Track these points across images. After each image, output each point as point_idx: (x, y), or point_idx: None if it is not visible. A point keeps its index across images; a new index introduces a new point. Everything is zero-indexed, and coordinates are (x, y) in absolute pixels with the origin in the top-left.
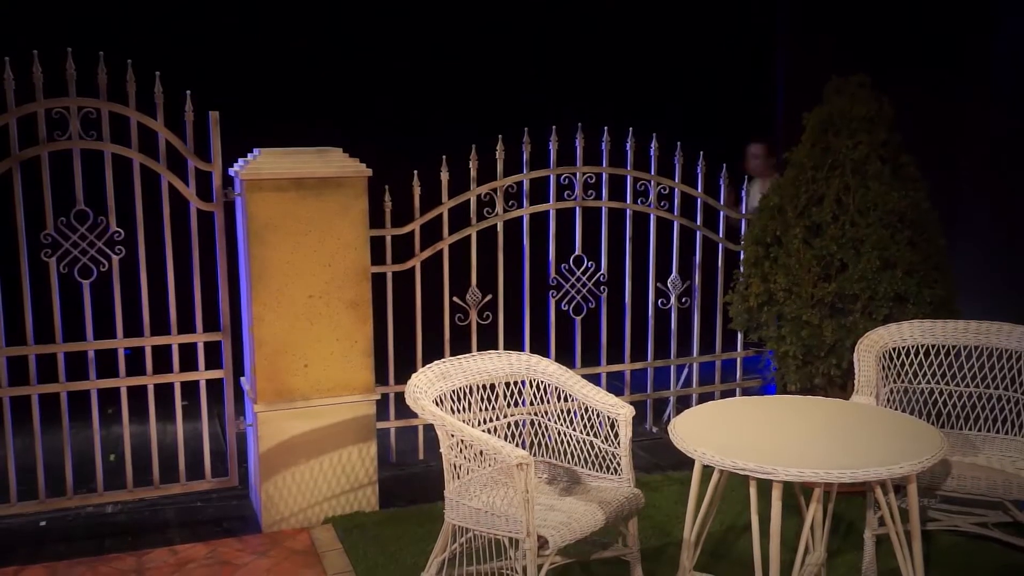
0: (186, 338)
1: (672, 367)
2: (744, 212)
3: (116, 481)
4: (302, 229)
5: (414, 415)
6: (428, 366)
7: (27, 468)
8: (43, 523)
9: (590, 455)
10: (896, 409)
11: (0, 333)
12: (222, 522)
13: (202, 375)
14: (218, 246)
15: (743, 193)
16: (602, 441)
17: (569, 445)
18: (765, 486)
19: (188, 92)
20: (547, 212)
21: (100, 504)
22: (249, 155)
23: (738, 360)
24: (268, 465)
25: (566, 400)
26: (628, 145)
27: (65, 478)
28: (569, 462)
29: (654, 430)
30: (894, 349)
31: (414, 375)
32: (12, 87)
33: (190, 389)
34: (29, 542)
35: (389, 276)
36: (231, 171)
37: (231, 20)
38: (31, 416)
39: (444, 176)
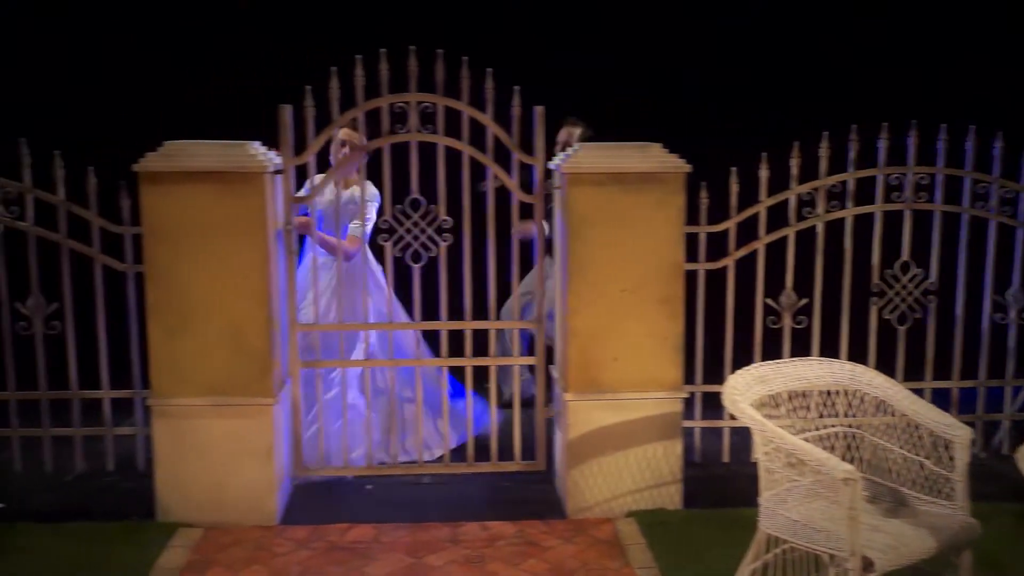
0: (503, 324)
1: (1007, 388)
2: None
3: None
4: (618, 223)
5: (720, 416)
6: (746, 368)
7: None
8: (369, 487)
9: (917, 476)
10: None
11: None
12: (528, 504)
13: (517, 360)
14: (536, 238)
15: None
16: (933, 463)
17: (889, 463)
18: None
19: (516, 88)
20: (872, 214)
21: (419, 475)
22: (569, 149)
23: None
24: (575, 453)
25: (888, 414)
26: (968, 145)
27: (391, 446)
28: (891, 481)
29: (983, 455)
30: None
31: (732, 376)
32: (362, 83)
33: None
34: (358, 502)
35: (701, 274)
36: (551, 165)
37: (560, 23)
38: (364, 388)
39: (763, 173)
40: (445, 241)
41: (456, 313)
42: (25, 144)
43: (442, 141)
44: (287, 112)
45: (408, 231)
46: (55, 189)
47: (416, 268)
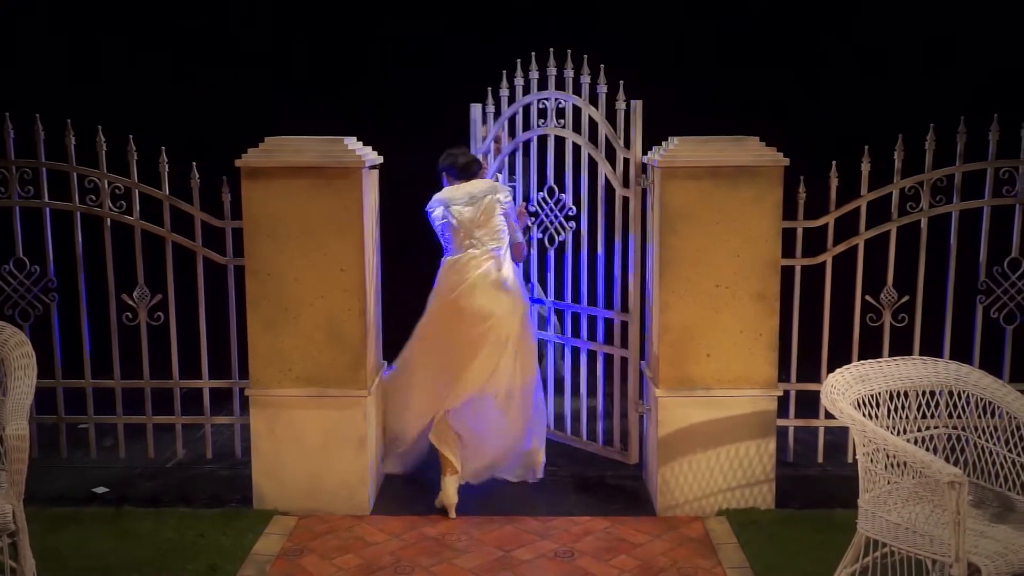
0: (601, 312)
1: None
2: None
3: None
4: (713, 218)
5: (815, 415)
6: (847, 367)
7: None
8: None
9: (1018, 477)
10: None
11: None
12: (618, 499)
13: (615, 350)
14: (631, 230)
15: None
16: None
17: (996, 467)
18: None
19: (621, 83)
20: (980, 209)
21: None
22: (664, 143)
23: None
24: (666, 450)
25: (995, 417)
26: None
27: None
28: (998, 485)
29: None
30: None
31: (831, 375)
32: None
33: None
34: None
35: (798, 270)
36: (646, 159)
37: (663, 20)
38: None
39: (865, 167)
40: (571, 229)
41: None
42: (132, 141)
43: (570, 136)
44: (477, 110)
45: (547, 216)
46: (160, 184)
47: (552, 251)
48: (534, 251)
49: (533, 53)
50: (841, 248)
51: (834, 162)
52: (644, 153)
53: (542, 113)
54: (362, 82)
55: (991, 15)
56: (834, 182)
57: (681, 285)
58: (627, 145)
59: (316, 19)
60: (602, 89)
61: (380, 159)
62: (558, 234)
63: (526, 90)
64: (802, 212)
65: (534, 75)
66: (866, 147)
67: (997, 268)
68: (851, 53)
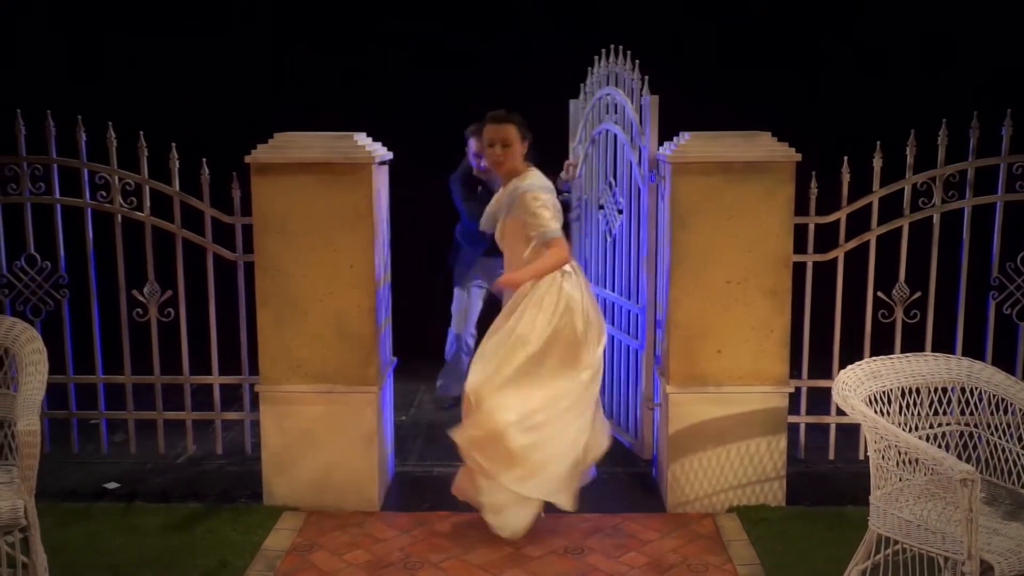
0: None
1: None
2: None
3: None
4: (725, 213)
5: (826, 412)
6: (859, 363)
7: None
8: None
9: None
10: None
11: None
12: (628, 496)
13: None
14: (645, 225)
15: None
16: None
17: (1009, 464)
18: None
19: (646, 77)
20: (993, 205)
21: None
22: (676, 138)
23: None
24: (676, 446)
25: (1007, 413)
26: None
27: None
28: (1011, 482)
29: None
30: None
31: (843, 371)
32: None
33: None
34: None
35: (809, 266)
36: (657, 154)
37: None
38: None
39: (877, 163)
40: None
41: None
42: (142, 137)
43: (619, 132)
44: (575, 105)
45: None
46: (171, 181)
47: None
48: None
49: (612, 46)
50: (853, 244)
51: (846, 158)
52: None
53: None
54: (366, 80)
55: (1005, 10)
56: (846, 178)
57: (691, 281)
58: (643, 140)
59: (321, 18)
60: (636, 85)
61: (390, 155)
62: (611, 227)
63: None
64: (814, 208)
65: (603, 70)
66: (878, 143)
67: (1010, 264)
68: (863, 50)
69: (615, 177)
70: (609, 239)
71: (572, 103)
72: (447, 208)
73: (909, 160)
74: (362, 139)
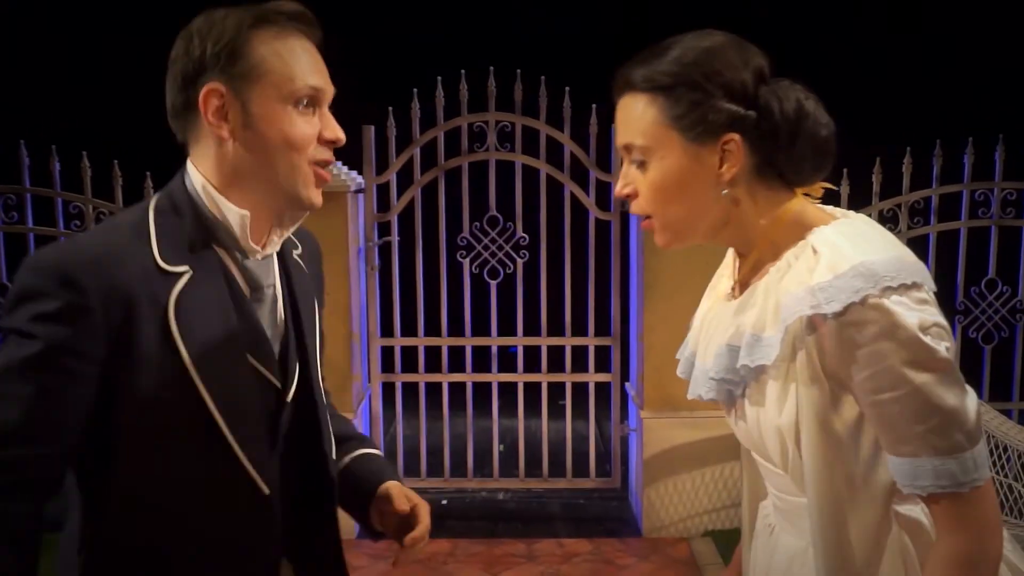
0: (579, 341)
1: None
2: None
3: (509, 470)
4: None
5: None
6: None
7: (435, 450)
8: (444, 502)
9: (1005, 499)
10: None
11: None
12: (603, 521)
13: (592, 377)
14: (612, 254)
15: None
16: (1022, 486)
17: None
18: None
19: (594, 106)
20: (958, 231)
21: (494, 489)
22: None
23: None
24: (651, 471)
25: None
26: None
27: (466, 462)
28: None
29: None
30: None
31: None
32: (442, 104)
33: (575, 390)
34: (433, 517)
35: None
36: None
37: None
38: (441, 402)
39: (844, 190)
40: (522, 258)
41: (531, 330)
42: (117, 167)
43: (520, 159)
44: (370, 132)
45: (486, 247)
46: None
47: (493, 284)
48: (467, 288)
49: (463, 71)
50: None
51: None
52: None
53: (478, 136)
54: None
55: (966, 41)
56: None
57: (664, 307)
58: (605, 169)
59: None
60: (567, 112)
61: (364, 183)
62: (503, 267)
63: (454, 111)
64: None
65: (465, 95)
66: (844, 170)
67: (974, 288)
68: (826, 81)
69: (501, 211)
70: (493, 281)
71: (368, 129)
72: None
73: (875, 187)
74: (337, 167)
